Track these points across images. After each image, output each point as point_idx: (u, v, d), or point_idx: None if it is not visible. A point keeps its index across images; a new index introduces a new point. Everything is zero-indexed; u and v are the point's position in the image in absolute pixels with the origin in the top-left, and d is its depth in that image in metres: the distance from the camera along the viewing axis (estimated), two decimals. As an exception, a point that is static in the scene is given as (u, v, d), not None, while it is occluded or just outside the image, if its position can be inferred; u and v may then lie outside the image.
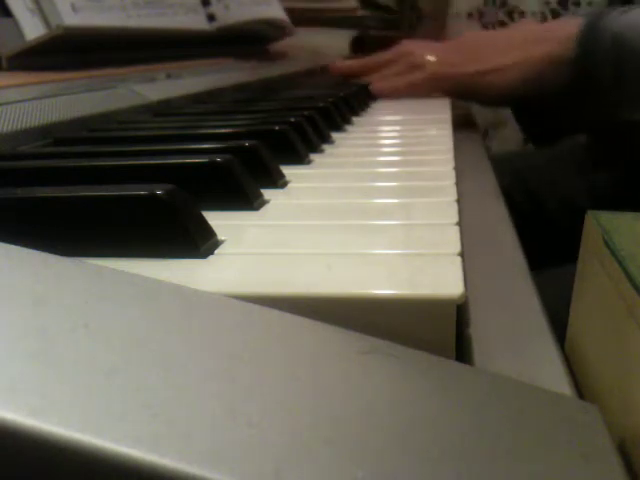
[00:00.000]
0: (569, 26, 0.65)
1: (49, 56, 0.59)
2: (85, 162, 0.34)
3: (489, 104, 0.85)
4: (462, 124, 0.67)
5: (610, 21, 0.60)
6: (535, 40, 0.68)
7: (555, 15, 1.63)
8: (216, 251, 0.25)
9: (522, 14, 1.66)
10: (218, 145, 0.37)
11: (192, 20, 0.79)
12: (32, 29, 0.58)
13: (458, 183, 0.34)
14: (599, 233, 0.23)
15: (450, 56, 0.74)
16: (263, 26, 0.95)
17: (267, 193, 0.34)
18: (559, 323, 0.26)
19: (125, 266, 0.22)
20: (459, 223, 0.27)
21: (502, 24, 1.66)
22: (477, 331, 0.22)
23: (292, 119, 0.46)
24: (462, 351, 0.21)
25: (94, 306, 0.18)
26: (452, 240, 0.25)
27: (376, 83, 0.79)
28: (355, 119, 0.62)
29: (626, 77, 0.59)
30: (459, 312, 0.21)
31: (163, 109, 0.59)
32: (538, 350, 0.21)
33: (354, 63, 0.89)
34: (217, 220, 0.27)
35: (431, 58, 0.75)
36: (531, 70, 0.66)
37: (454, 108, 0.71)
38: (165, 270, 0.23)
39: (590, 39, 0.61)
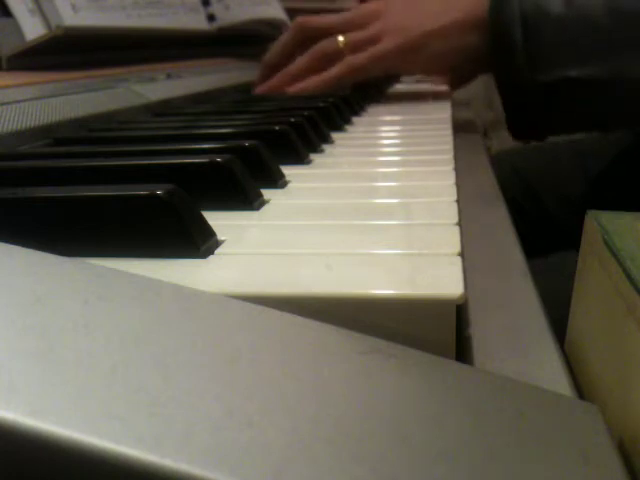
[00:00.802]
0: None
1: (49, 56, 0.59)
2: (85, 162, 0.34)
3: (422, 73, 0.82)
4: (462, 124, 0.67)
5: None
6: (448, 6, 0.67)
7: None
8: (216, 251, 0.25)
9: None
10: (218, 145, 0.37)
11: (192, 20, 0.79)
12: (32, 29, 0.58)
13: (458, 183, 0.34)
14: (599, 233, 0.23)
15: (363, 31, 0.70)
16: (263, 26, 0.95)
17: (267, 193, 0.34)
18: (559, 323, 0.26)
19: (125, 266, 0.22)
20: (459, 223, 0.27)
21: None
22: (477, 331, 0.22)
23: (292, 119, 0.46)
24: (462, 351, 0.21)
25: (94, 306, 0.18)
26: (452, 240, 0.25)
27: (292, 86, 0.73)
28: (355, 119, 0.62)
29: (536, 37, 0.58)
30: (459, 312, 0.21)
31: (163, 109, 0.59)
32: (538, 350, 0.21)
33: (261, 69, 0.80)
34: (217, 220, 0.27)
35: (343, 38, 0.71)
36: (454, 34, 0.65)
37: (454, 108, 0.71)
38: (165, 270, 0.23)
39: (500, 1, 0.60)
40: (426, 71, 0.77)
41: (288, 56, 0.76)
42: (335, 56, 0.71)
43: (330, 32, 0.72)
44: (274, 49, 0.79)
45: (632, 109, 0.59)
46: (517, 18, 0.59)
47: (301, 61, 0.74)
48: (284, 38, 0.78)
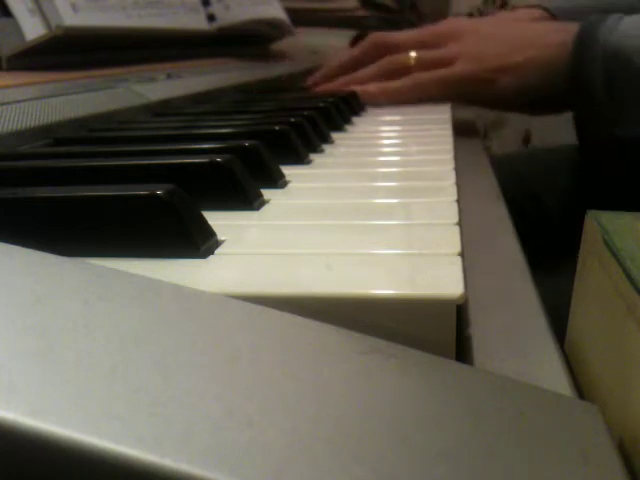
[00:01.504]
0: (562, 32, 0.61)
1: (49, 56, 0.59)
2: (85, 162, 0.34)
3: (492, 107, 0.76)
4: (462, 124, 0.67)
5: (605, 28, 0.56)
6: (531, 42, 0.63)
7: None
8: (216, 251, 0.25)
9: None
10: (218, 145, 0.37)
11: (192, 20, 0.80)
12: (32, 29, 0.58)
13: (458, 183, 0.34)
14: (599, 233, 0.23)
15: (438, 50, 0.67)
16: (263, 26, 0.95)
17: (267, 193, 0.34)
18: (559, 323, 0.26)
19: (125, 266, 0.22)
20: (459, 223, 0.27)
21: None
22: (477, 331, 0.22)
23: (292, 119, 0.46)
24: (462, 351, 0.21)
25: (94, 306, 0.18)
26: (452, 240, 0.25)
27: (368, 87, 0.70)
28: (355, 119, 0.62)
29: (618, 90, 0.55)
30: (459, 312, 0.21)
31: (163, 109, 0.59)
32: (538, 350, 0.21)
33: (326, 70, 0.78)
34: (217, 220, 0.27)
35: (416, 54, 0.68)
36: (532, 73, 0.61)
37: (454, 109, 0.71)
38: (165, 270, 0.23)
39: (583, 47, 0.56)
40: (493, 106, 0.73)
41: (355, 68, 0.74)
42: (403, 71, 0.68)
43: (403, 49, 0.70)
44: (342, 56, 0.77)
45: None
46: (599, 69, 0.55)
47: (369, 69, 0.72)
48: (355, 49, 0.76)
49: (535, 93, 0.63)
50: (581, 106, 0.58)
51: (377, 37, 0.75)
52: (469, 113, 0.80)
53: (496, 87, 0.63)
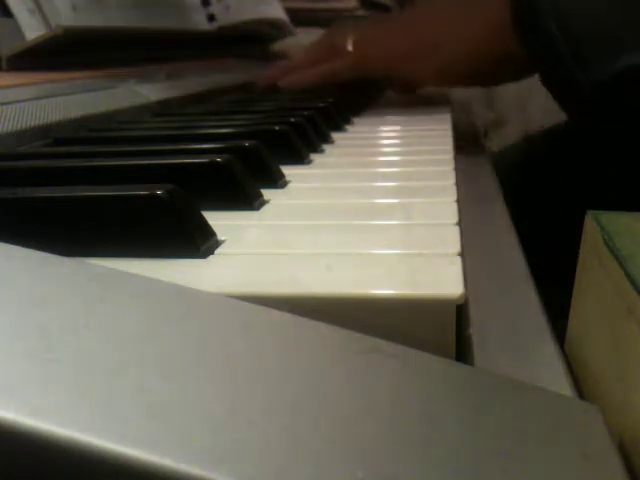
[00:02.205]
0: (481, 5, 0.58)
1: (49, 56, 0.59)
2: (85, 162, 0.34)
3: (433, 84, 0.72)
4: (462, 124, 0.67)
5: None
6: (466, 6, 0.60)
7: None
8: (216, 251, 0.25)
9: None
10: (218, 145, 0.37)
11: (192, 20, 0.80)
12: (32, 29, 0.58)
13: (458, 183, 0.34)
14: (599, 233, 0.23)
15: (378, 34, 0.67)
16: (263, 26, 0.95)
17: (267, 193, 0.34)
18: (559, 323, 0.26)
19: (125, 266, 0.22)
20: (459, 223, 0.27)
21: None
22: (477, 331, 0.22)
23: (292, 119, 0.46)
24: (462, 351, 0.21)
25: (94, 306, 0.18)
26: (452, 240, 0.25)
27: (285, 76, 0.70)
28: (355, 119, 0.62)
29: (574, 26, 0.50)
30: (459, 312, 0.21)
31: (163, 109, 0.59)
32: (538, 350, 0.21)
33: (273, 70, 0.78)
34: (217, 220, 0.27)
35: (354, 39, 0.67)
36: (474, 40, 0.59)
37: (454, 109, 0.71)
38: (165, 270, 0.23)
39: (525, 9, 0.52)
40: (438, 78, 0.69)
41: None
42: (337, 52, 0.68)
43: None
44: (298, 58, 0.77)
45: None
46: (549, 10, 0.50)
47: (308, 53, 0.72)
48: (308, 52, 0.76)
49: (476, 61, 0.60)
50: (542, 62, 0.53)
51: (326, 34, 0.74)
52: (469, 113, 0.80)
53: (436, 57, 0.62)
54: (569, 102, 0.56)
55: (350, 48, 0.67)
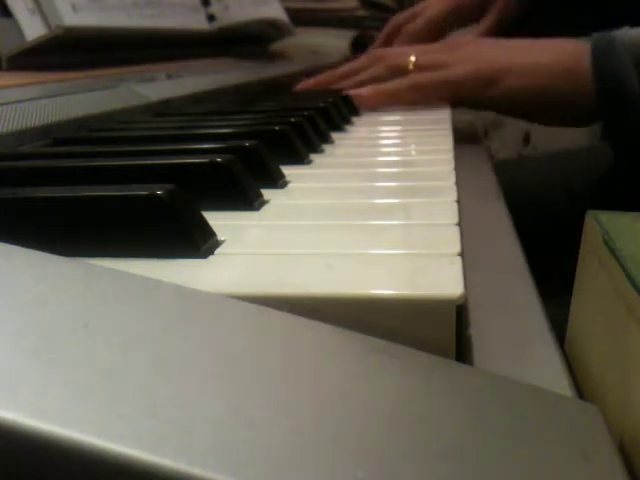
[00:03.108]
0: (572, 42, 0.58)
1: (49, 56, 0.59)
2: (85, 162, 0.34)
3: (494, 109, 0.69)
4: (462, 124, 0.67)
5: (620, 34, 0.53)
6: (541, 48, 0.59)
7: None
8: (216, 251, 0.25)
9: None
10: (218, 145, 0.37)
11: (192, 20, 0.80)
12: (32, 29, 0.58)
13: (458, 183, 0.34)
14: (599, 233, 0.23)
15: (437, 55, 0.65)
16: (263, 26, 0.95)
17: (267, 193, 0.34)
18: (559, 323, 0.26)
19: (125, 266, 0.22)
20: (459, 223, 0.27)
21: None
22: (477, 331, 0.22)
23: (292, 119, 0.46)
24: (462, 351, 0.21)
25: (94, 306, 0.18)
26: (452, 240, 0.25)
27: (362, 90, 0.66)
28: (355, 119, 0.62)
29: None
30: (459, 312, 0.21)
31: (163, 109, 0.59)
32: (538, 350, 0.21)
33: (320, 77, 0.75)
34: (217, 220, 0.27)
35: (413, 58, 0.64)
36: (542, 76, 0.58)
37: (453, 109, 0.71)
38: (165, 270, 0.23)
39: (605, 49, 0.53)
40: (495, 108, 0.67)
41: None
42: (401, 74, 0.65)
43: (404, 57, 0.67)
44: (340, 69, 0.73)
45: None
46: (630, 66, 0.51)
47: (366, 73, 0.68)
48: (355, 61, 0.73)
49: (539, 96, 0.59)
50: (612, 109, 0.54)
51: (379, 52, 0.72)
52: (469, 113, 0.80)
53: (499, 88, 0.60)
54: (631, 146, 0.55)
55: (411, 66, 0.64)
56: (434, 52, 0.66)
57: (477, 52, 0.63)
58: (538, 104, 0.60)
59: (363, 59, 0.72)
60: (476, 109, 0.72)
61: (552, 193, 0.82)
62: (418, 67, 0.64)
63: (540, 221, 0.77)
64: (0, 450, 0.13)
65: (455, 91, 0.62)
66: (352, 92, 0.65)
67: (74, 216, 0.25)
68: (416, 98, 0.64)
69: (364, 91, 0.65)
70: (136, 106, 0.56)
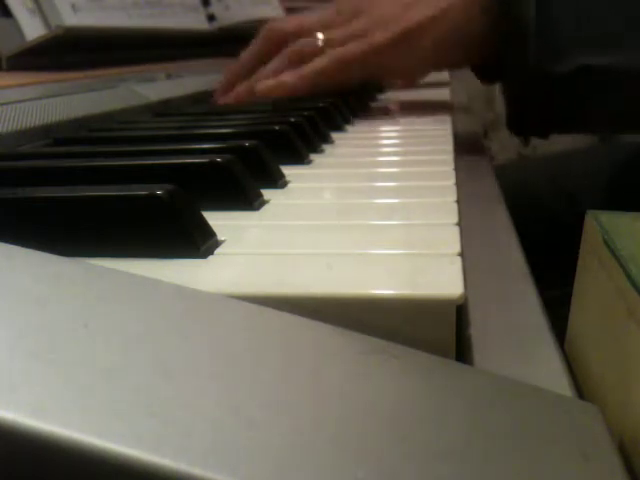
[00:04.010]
0: None
1: (49, 56, 0.59)
2: (85, 162, 0.34)
3: (414, 73, 0.66)
4: (462, 125, 0.67)
5: None
6: None
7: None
8: (216, 251, 0.25)
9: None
10: (218, 145, 0.37)
11: (192, 20, 0.80)
12: (32, 29, 0.58)
13: (458, 183, 0.34)
14: (599, 233, 0.23)
15: (347, 26, 0.60)
16: (263, 26, 0.95)
17: (267, 193, 0.34)
18: (559, 323, 0.26)
19: (125, 266, 0.22)
20: (459, 223, 0.27)
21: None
22: (477, 331, 0.22)
23: (292, 119, 0.46)
24: (462, 351, 0.21)
25: (94, 306, 0.18)
26: (452, 240, 0.25)
27: (260, 83, 0.60)
28: (355, 119, 0.62)
29: (549, 20, 0.51)
30: (459, 312, 0.21)
31: (163, 109, 0.59)
32: (538, 350, 0.21)
33: (226, 77, 0.67)
34: (217, 220, 0.27)
35: (324, 35, 0.60)
36: (449, 23, 0.56)
37: (454, 109, 0.71)
38: (165, 270, 0.23)
39: None
40: (422, 68, 0.65)
41: (256, 66, 0.63)
42: (314, 56, 0.59)
43: (306, 34, 0.61)
44: (241, 58, 0.66)
45: None
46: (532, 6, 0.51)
47: (272, 65, 0.61)
48: (252, 46, 0.66)
49: (458, 44, 0.58)
50: (512, 47, 0.53)
51: (270, 27, 0.65)
52: (469, 114, 0.80)
53: (418, 47, 0.58)
54: (525, 91, 0.55)
55: (326, 45, 0.60)
56: (338, 24, 0.62)
57: (384, 14, 0.59)
58: (458, 51, 0.59)
59: (259, 43, 0.65)
60: (393, 77, 0.70)
61: (552, 193, 0.82)
62: (329, 44, 0.60)
63: (540, 221, 0.77)
64: (0, 450, 0.13)
65: (378, 60, 0.59)
66: (271, 84, 0.59)
67: (74, 216, 0.25)
68: (342, 76, 0.60)
69: (286, 78, 0.59)
70: (136, 106, 0.56)
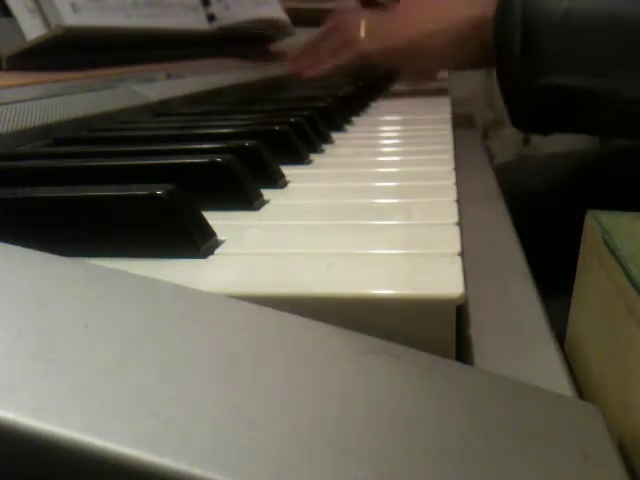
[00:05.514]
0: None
1: (49, 56, 0.59)
2: (85, 162, 0.34)
3: (423, 71, 0.84)
4: (462, 124, 0.67)
5: None
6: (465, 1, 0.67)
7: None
8: (216, 251, 0.25)
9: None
10: (218, 145, 0.37)
11: (192, 20, 0.79)
12: (32, 29, 0.58)
13: (458, 183, 0.34)
14: (599, 233, 0.23)
15: (379, 27, 0.73)
16: (263, 26, 0.95)
17: (267, 193, 0.34)
18: (559, 323, 0.26)
19: (125, 266, 0.22)
20: (459, 223, 0.27)
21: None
22: (477, 331, 0.22)
23: (292, 119, 0.46)
24: (462, 351, 0.21)
25: (94, 306, 0.18)
26: (452, 240, 0.25)
27: (296, 65, 0.79)
28: (355, 119, 0.62)
29: (532, 41, 0.58)
30: (459, 312, 0.21)
31: (163, 109, 0.59)
32: (538, 350, 0.21)
33: (299, 54, 0.85)
34: (217, 220, 0.27)
35: (361, 32, 0.74)
36: (457, 35, 0.66)
37: (454, 108, 0.71)
38: (165, 270, 0.23)
39: (504, 12, 0.60)
40: (436, 64, 0.78)
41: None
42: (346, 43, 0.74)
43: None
44: (312, 41, 0.82)
45: (628, 125, 0.59)
46: (518, 24, 0.59)
47: (324, 46, 0.77)
48: (322, 29, 0.81)
49: (462, 53, 0.68)
50: (501, 61, 0.62)
51: (339, 18, 0.79)
52: (469, 112, 0.80)
53: (431, 50, 0.69)
54: (512, 98, 0.63)
55: (357, 40, 0.73)
56: (379, 22, 0.74)
57: (414, 16, 0.72)
58: (462, 57, 0.69)
59: (323, 30, 0.81)
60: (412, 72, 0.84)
61: (552, 193, 0.82)
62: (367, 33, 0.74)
63: (540, 221, 0.77)
64: (0, 450, 0.13)
65: (394, 58, 0.72)
66: (311, 72, 0.77)
67: (74, 216, 0.25)
68: (361, 64, 0.75)
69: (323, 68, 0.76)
70: (136, 106, 0.56)
